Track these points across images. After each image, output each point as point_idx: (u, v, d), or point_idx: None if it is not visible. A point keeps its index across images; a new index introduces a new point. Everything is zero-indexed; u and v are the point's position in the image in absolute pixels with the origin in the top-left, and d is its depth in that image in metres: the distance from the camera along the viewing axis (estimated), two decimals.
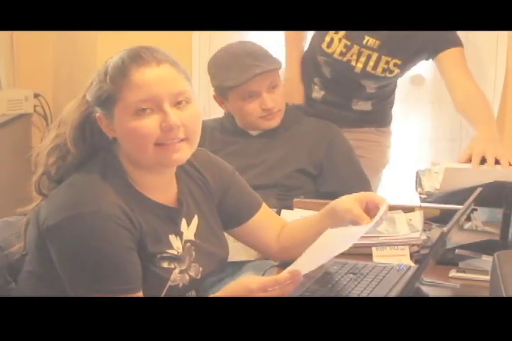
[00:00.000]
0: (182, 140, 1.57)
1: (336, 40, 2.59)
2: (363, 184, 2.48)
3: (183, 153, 1.59)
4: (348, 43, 2.59)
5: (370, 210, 1.74)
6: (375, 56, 2.60)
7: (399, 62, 2.61)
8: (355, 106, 2.69)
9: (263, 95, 2.38)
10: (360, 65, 2.61)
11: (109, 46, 3.33)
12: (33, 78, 3.70)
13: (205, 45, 3.35)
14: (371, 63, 2.60)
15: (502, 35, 3.20)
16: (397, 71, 2.62)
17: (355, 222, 1.73)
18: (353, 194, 1.79)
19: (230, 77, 2.36)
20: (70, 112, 1.63)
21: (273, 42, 2.95)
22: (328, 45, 2.61)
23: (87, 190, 1.56)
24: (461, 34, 2.62)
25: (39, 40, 3.68)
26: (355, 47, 2.59)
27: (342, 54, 2.60)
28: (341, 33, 2.59)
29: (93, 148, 1.63)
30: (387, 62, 2.60)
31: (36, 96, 3.68)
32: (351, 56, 2.61)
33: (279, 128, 2.47)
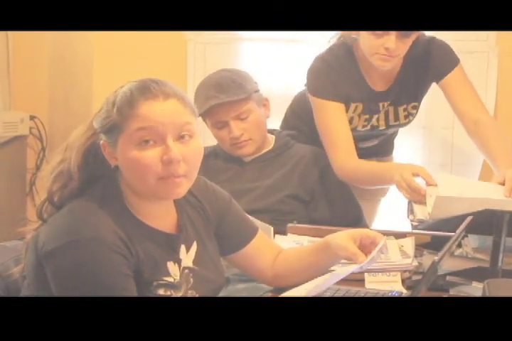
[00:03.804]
0: (181, 176, 1.60)
1: (355, 118, 2.53)
2: (354, 210, 2.51)
3: (183, 188, 1.62)
4: (367, 116, 2.54)
5: (365, 247, 1.76)
6: (391, 110, 2.57)
7: (416, 104, 2.60)
8: (362, 145, 2.62)
9: (230, 124, 2.42)
10: (382, 123, 2.58)
11: (104, 69, 3.37)
12: (28, 100, 3.71)
13: (200, 61, 3.40)
14: (391, 117, 2.58)
15: (492, 58, 3.25)
16: (416, 111, 2.61)
17: (350, 259, 1.76)
18: (348, 230, 1.81)
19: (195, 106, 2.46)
20: (77, 137, 1.65)
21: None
22: (350, 122, 2.51)
23: (85, 217, 1.58)
24: None
25: (35, 63, 3.71)
26: (375, 117, 2.56)
27: (364, 126, 2.56)
28: (358, 110, 2.51)
29: (94, 175, 1.65)
30: (405, 109, 2.59)
31: (32, 118, 3.69)
32: (376, 122, 2.57)
33: (271, 153, 2.50)
